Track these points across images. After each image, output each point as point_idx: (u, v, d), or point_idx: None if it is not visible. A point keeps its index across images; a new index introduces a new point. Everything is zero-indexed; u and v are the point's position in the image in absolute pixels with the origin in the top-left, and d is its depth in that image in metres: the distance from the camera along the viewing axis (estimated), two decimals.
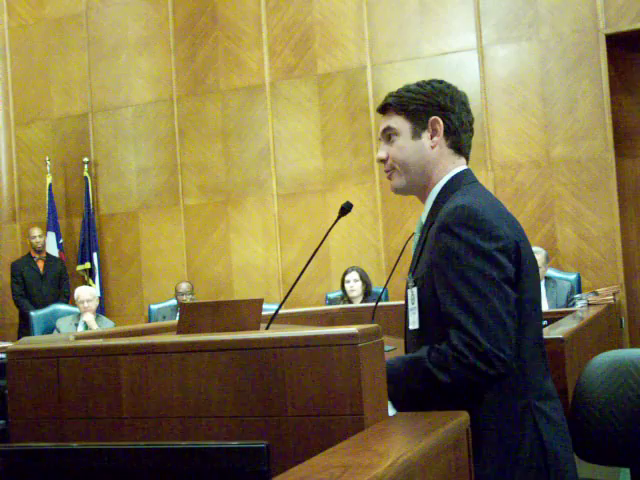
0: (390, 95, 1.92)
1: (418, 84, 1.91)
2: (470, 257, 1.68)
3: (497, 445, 1.69)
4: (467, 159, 1.94)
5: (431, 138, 1.87)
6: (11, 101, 8.41)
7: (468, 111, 1.92)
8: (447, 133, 1.87)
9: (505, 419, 1.72)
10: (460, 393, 1.70)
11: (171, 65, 7.78)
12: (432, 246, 1.76)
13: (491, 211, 1.74)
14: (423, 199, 1.91)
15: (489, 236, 1.69)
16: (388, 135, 1.91)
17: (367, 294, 6.13)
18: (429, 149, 1.87)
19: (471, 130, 1.93)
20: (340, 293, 6.30)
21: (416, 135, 1.87)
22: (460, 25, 6.81)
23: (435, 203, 1.85)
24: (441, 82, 1.92)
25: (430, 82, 1.91)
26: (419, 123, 1.87)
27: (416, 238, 1.93)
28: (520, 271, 1.73)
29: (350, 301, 6.05)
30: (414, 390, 1.70)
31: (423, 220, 1.89)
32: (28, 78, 8.36)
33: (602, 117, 6.38)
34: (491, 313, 1.64)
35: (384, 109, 1.93)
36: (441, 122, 1.86)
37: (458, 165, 1.89)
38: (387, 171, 1.93)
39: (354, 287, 6.06)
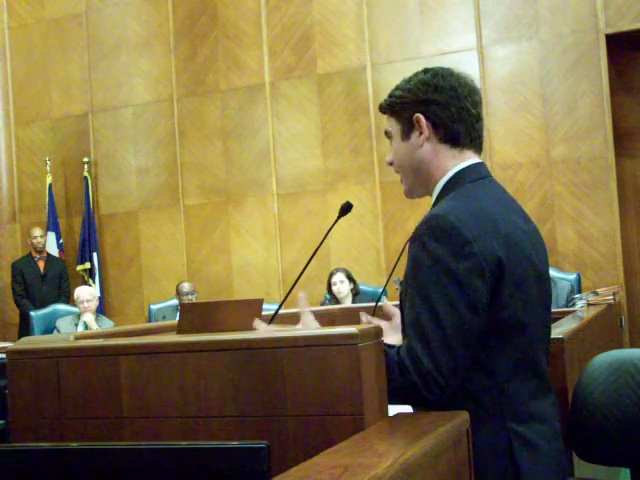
0: (388, 95, 1.86)
1: (408, 79, 1.82)
2: (434, 274, 1.59)
3: None
4: (477, 148, 1.80)
5: (419, 136, 1.77)
6: (11, 101, 8.41)
7: (462, 97, 1.75)
8: (435, 128, 1.75)
9: (477, 439, 1.59)
10: (399, 401, 1.64)
11: (171, 65, 7.78)
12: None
13: (473, 223, 1.61)
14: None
15: (459, 253, 1.58)
16: (389, 137, 1.86)
17: (356, 294, 6.06)
18: (418, 148, 1.77)
19: (471, 117, 1.76)
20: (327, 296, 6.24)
21: (405, 136, 1.79)
22: (460, 25, 6.81)
23: (435, 203, 1.77)
24: (428, 71, 1.80)
25: (417, 74, 1.81)
26: (406, 123, 1.79)
27: None
28: (501, 287, 1.61)
29: (339, 302, 6.01)
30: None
31: None
32: (28, 78, 8.35)
33: (602, 117, 6.38)
34: (439, 337, 1.56)
35: (381, 111, 1.88)
36: (422, 119, 1.75)
37: (462, 159, 1.77)
38: (397, 172, 1.88)
39: (341, 288, 5.99)
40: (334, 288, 6.05)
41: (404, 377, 1.57)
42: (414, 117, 1.76)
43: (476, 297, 1.58)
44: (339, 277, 6.05)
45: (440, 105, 1.74)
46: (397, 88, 1.83)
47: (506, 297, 1.62)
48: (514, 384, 1.67)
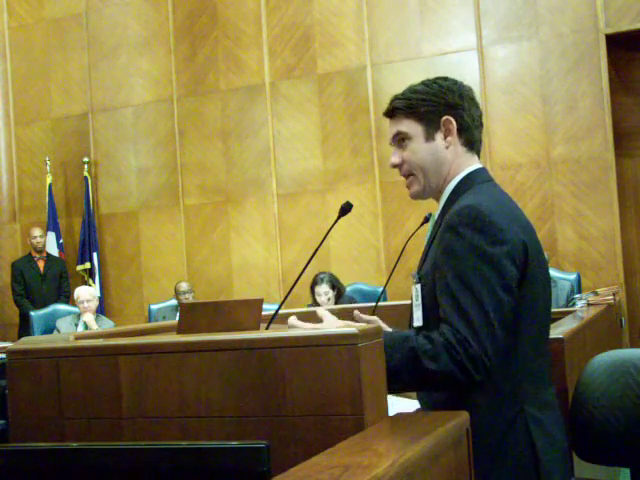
0: (396, 98, 1.87)
1: (424, 83, 1.86)
2: (471, 259, 1.65)
3: (484, 451, 1.64)
4: (478, 154, 1.90)
5: (445, 138, 1.83)
6: (11, 101, 8.41)
7: (477, 105, 1.88)
8: (460, 131, 1.84)
9: (496, 423, 1.69)
10: (438, 385, 1.67)
11: (171, 65, 7.78)
12: (438, 244, 1.75)
13: (501, 213, 1.70)
14: (438, 198, 1.89)
15: (495, 240, 1.66)
16: (400, 140, 1.87)
17: (339, 296, 5.87)
18: (444, 150, 1.83)
19: (481, 124, 1.90)
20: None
21: (430, 137, 1.84)
22: (460, 25, 6.81)
23: (447, 201, 1.83)
24: (447, 79, 1.88)
25: (435, 80, 1.87)
26: (431, 125, 1.83)
27: (428, 235, 1.92)
28: (525, 274, 1.70)
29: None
30: (389, 363, 1.62)
31: (436, 218, 1.88)
32: (28, 78, 8.35)
33: (602, 117, 6.38)
34: (482, 318, 1.61)
35: (392, 113, 1.89)
36: (454, 121, 1.82)
37: (472, 163, 1.86)
38: (404, 176, 1.90)
39: (323, 300, 5.77)
40: (317, 298, 5.84)
41: (452, 358, 1.60)
42: (444, 119, 1.83)
43: (511, 280, 1.66)
44: (323, 289, 5.83)
45: (465, 111, 1.84)
46: (412, 91, 1.86)
47: (528, 284, 1.71)
48: (531, 370, 1.74)
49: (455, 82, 1.87)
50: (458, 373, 1.60)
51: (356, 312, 1.95)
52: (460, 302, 1.64)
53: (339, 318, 1.85)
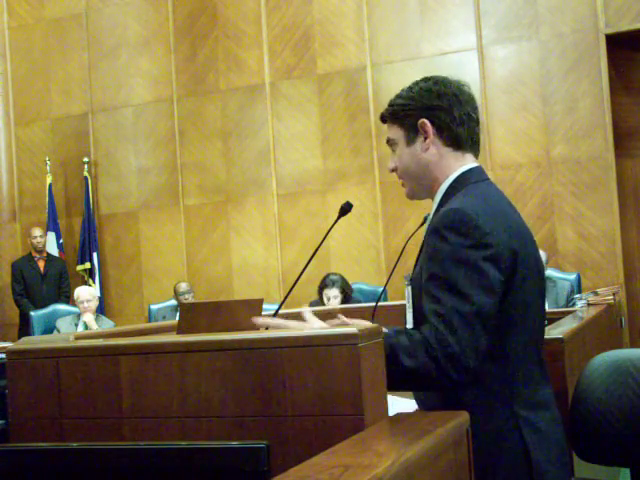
0: (388, 104, 1.91)
1: (409, 87, 1.88)
2: (454, 262, 1.65)
3: (477, 452, 1.61)
4: (475, 151, 1.88)
5: (424, 141, 1.83)
6: (11, 101, 8.41)
7: (463, 102, 1.83)
8: (439, 132, 1.82)
9: (487, 426, 1.68)
10: (416, 382, 1.65)
11: (171, 65, 7.78)
12: (426, 247, 1.76)
13: (487, 216, 1.68)
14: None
15: (478, 244, 1.65)
16: (391, 145, 1.91)
17: (345, 300, 5.76)
18: (423, 153, 1.83)
19: (472, 121, 1.84)
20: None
21: (410, 142, 1.85)
22: (460, 25, 6.81)
23: (440, 202, 1.83)
24: (428, 80, 1.86)
25: (418, 82, 1.87)
26: (410, 129, 1.84)
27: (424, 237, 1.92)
28: (514, 278, 1.69)
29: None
30: None
31: (430, 219, 1.88)
32: (28, 78, 8.35)
33: (602, 117, 6.38)
34: (462, 320, 1.60)
35: (383, 120, 1.93)
36: (428, 123, 1.81)
37: (464, 162, 1.84)
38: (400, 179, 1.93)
39: (332, 302, 5.65)
40: (325, 300, 5.75)
41: (429, 355, 1.59)
42: (419, 122, 1.83)
43: (492, 284, 1.65)
44: (333, 293, 5.73)
45: (444, 110, 1.82)
46: (398, 97, 1.89)
47: (517, 287, 1.70)
48: (522, 371, 1.73)
49: (437, 81, 1.85)
50: (434, 370, 1.59)
51: (340, 316, 1.93)
52: (442, 304, 1.63)
53: (346, 317, 1.86)
